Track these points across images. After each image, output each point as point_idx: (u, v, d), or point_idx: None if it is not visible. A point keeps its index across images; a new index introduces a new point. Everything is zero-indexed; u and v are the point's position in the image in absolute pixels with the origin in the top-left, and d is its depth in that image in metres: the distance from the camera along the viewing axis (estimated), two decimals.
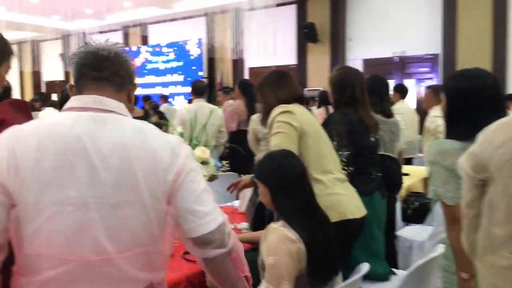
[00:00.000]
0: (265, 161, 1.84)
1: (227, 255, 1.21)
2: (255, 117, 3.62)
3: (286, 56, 10.25)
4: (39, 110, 9.54)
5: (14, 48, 10.65)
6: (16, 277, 1.14)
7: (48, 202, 1.05)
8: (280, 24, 10.03)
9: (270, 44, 9.95)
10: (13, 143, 1.07)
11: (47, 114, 8.75)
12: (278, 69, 2.54)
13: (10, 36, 12.82)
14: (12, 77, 15.74)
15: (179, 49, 11.70)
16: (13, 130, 1.11)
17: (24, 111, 1.45)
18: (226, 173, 3.23)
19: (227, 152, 4.57)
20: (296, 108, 2.16)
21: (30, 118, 1.46)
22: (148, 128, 1.17)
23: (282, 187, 1.73)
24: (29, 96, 14.70)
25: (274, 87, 2.27)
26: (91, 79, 1.17)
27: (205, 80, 11.37)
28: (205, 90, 4.78)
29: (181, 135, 2.28)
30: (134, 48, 12.66)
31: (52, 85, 15.36)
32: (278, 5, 9.94)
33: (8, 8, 11.04)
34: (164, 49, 12.04)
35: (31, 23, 12.30)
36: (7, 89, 4.45)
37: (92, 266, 1.08)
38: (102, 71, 1.17)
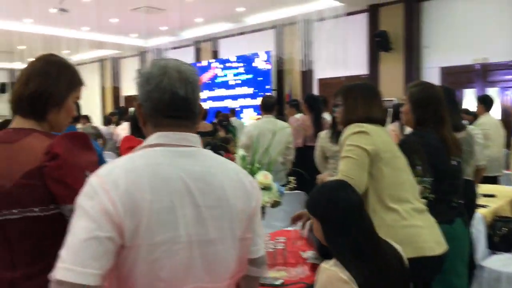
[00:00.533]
0: (316, 193, 1.72)
1: None
2: (323, 134, 3.48)
3: (357, 66, 9.95)
4: (116, 124, 10.08)
5: (96, 65, 11.41)
6: None
7: (160, 242, 1.08)
8: (350, 33, 9.77)
9: (340, 54, 9.73)
10: (125, 185, 1.07)
11: (123, 131, 9.18)
12: (370, 83, 2.37)
13: (93, 54, 13.82)
14: (94, 92, 16.87)
15: (248, 62, 11.82)
16: (112, 169, 1.11)
17: (81, 144, 1.44)
18: (293, 191, 3.10)
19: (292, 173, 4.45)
20: (372, 129, 1.98)
21: (89, 150, 1.45)
22: (224, 158, 1.27)
23: (334, 222, 1.60)
24: (109, 110, 15.59)
25: (368, 101, 2.06)
26: (169, 117, 1.17)
27: (274, 94, 11.37)
28: (274, 105, 4.70)
29: (243, 158, 2.21)
30: (204, 63, 12.99)
31: (130, 100, 16.18)
32: (349, 14, 9.70)
33: (91, 29, 11.84)
34: (234, 63, 12.23)
35: (111, 42, 13.07)
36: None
37: None
38: (178, 111, 1.18)
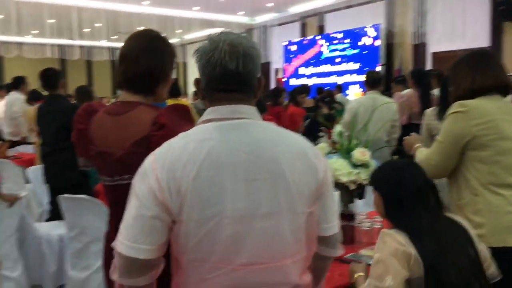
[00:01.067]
0: (382, 168, 1.72)
1: None
2: (430, 112, 3.24)
3: (477, 37, 9.05)
4: None
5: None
6: (175, 282, 1.22)
7: (207, 217, 1.08)
8: (469, 2, 8.89)
9: (458, 25, 8.93)
10: (170, 163, 1.10)
11: None
12: (482, 49, 2.16)
13: (203, 33, 14.35)
14: None
15: (355, 36, 11.40)
16: (166, 148, 1.15)
17: (183, 116, 1.52)
18: None
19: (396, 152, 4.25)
20: (477, 105, 1.80)
21: (190, 121, 1.52)
22: (284, 130, 1.22)
23: (396, 200, 1.57)
24: None
25: (473, 69, 1.88)
26: (221, 91, 1.17)
27: (383, 69, 10.87)
28: (380, 81, 4.48)
29: (340, 134, 2.16)
30: (310, 39, 12.83)
31: None
32: None
33: (201, 8, 12.32)
34: (340, 37, 11.89)
35: (220, 20, 13.48)
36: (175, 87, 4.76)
37: (247, 273, 1.12)
38: (230, 85, 1.17)
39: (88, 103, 1.71)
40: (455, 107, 1.83)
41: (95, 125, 1.61)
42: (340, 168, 2.04)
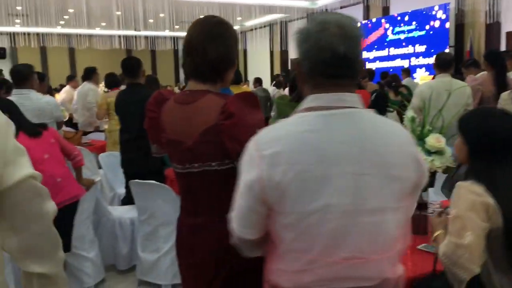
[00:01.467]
0: (472, 115, 1.70)
1: None
2: (506, 95, 3.02)
3: None
4: (284, 87, 10.41)
5: (266, 30, 11.76)
6: (269, 266, 1.23)
7: (311, 211, 1.06)
8: None
9: None
10: (273, 155, 1.07)
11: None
12: None
13: (263, 19, 14.30)
14: (264, 56, 17.63)
15: (422, 17, 10.85)
16: (269, 137, 1.12)
17: (251, 104, 1.50)
18: None
19: None
20: None
21: (257, 109, 1.51)
22: (388, 120, 1.19)
23: (482, 148, 1.53)
24: (277, 72, 16.18)
25: None
26: (328, 77, 1.11)
27: (452, 51, 10.28)
28: (451, 63, 4.23)
29: (412, 120, 2.06)
30: (374, 21, 12.39)
31: None
32: None
33: None
34: (406, 18, 11.37)
35: (280, 5, 13.36)
36: (237, 74, 4.81)
37: (347, 267, 1.10)
38: (338, 70, 1.10)
39: (158, 91, 1.72)
40: None
41: (165, 114, 1.63)
42: None
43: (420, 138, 2.04)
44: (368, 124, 1.11)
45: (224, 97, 1.52)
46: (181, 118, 1.56)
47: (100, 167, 4.52)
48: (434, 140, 1.94)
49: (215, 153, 1.50)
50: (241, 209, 1.16)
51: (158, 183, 3.07)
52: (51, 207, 1.11)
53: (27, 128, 2.80)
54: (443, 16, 10.31)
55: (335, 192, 1.05)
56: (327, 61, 1.08)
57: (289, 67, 16.63)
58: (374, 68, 12.12)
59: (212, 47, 1.54)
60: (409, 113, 2.08)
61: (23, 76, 3.69)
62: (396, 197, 1.10)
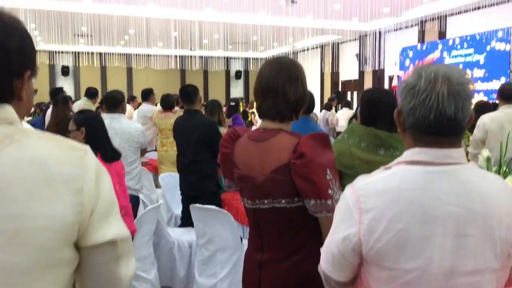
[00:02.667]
0: None
1: None
2: None
3: None
4: (336, 109, 10.35)
5: (317, 51, 11.73)
6: None
7: (406, 269, 1.05)
8: None
9: None
10: (375, 209, 1.07)
11: (342, 116, 9.37)
12: None
13: (315, 41, 14.37)
14: (315, 77, 17.63)
15: (480, 40, 10.51)
16: (370, 188, 1.11)
17: (323, 144, 1.52)
18: None
19: None
20: None
21: (329, 149, 1.53)
22: (492, 175, 1.16)
23: None
24: (327, 95, 16.12)
25: None
26: (433, 134, 1.09)
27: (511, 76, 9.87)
28: None
29: (488, 160, 1.98)
30: (429, 44, 12.14)
31: (348, 84, 16.38)
32: None
33: (315, 16, 12.35)
34: (463, 42, 11.05)
35: (332, 27, 13.37)
36: (236, 104, 4.84)
37: None
38: (445, 130, 1.08)
39: (233, 128, 1.79)
40: None
41: (238, 150, 1.69)
42: None
43: None
44: (474, 184, 1.08)
45: (296, 136, 1.56)
46: (254, 155, 1.61)
47: (157, 187, 4.67)
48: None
49: (285, 191, 1.53)
50: (333, 254, 1.15)
51: (217, 208, 3.13)
52: (130, 270, 1.03)
53: (106, 151, 2.69)
54: (504, 40, 9.93)
55: (435, 252, 1.04)
56: (434, 121, 1.06)
57: (339, 89, 16.53)
58: None
59: (291, 89, 1.59)
60: (485, 153, 2.01)
61: (118, 101, 3.91)
62: (498, 258, 1.07)
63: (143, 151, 4.15)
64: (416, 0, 10.67)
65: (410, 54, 12.76)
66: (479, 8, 10.25)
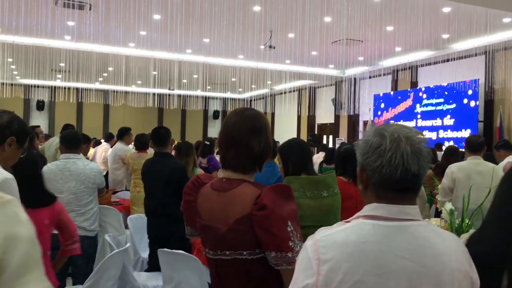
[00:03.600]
0: None
1: None
2: None
3: None
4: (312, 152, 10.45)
5: (295, 95, 12.02)
6: None
7: None
8: None
9: None
10: (333, 261, 1.08)
11: (318, 159, 9.45)
12: None
13: (292, 84, 14.71)
14: (292, 120, 17.90)
15: (451, 91, 10.95)
16: (329, 241, 1.12)
17: (285, 195, 1.52)
18: None
19: None
20: None
21: (290, 200, 1.54)
22: (444, 232, 1.18)
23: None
24: (304, 137, 16.34)
25: None
26: (394, 190, 1.14)
27: (480, 126, 10.24)
28: (482, 145, 4.23)
29: (451, 213, 2.03)
30: (402, 93, 12.57)
31: (324, 128, 16.68)
32: None
33: (292, 61, 12.70)
34: (434, 91, 11.49)
35: (310, 72, 13.75)
36: (211, 144, 4.87)
37: None
38: (406, 186, 1.13)
39: (196, 176, 1.77)
40: None
41: (202, 199, 1.67)
42: None
43: (459, 232, 2.00)
44: (428, 240, 1.11)
45: (259, 187, 1.56)
46: (217, 205, 1.60)
47: (127, 228, 4.56)
48: None
49: (247, 242, 1.52)
50: None
51: (186, 253, 3.07)
52: None
53: (29, 197, 2.38)
54: (473, 91, 10.38)
55: None
56: (398, 178, 1.11)
57: (316, 132, 16.80)
58: None
59: (255, 141, 1.60)
60: (448, 206, 2.06)
61: (75, 142, 3.84)
62: None
63: (101, 191, 4.06)
64: (389, 50, 11.11)
65: (384, 101, 13.16)
66: (448, 60, 10.74)
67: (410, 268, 1.07)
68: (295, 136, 17.40)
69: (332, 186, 2.34)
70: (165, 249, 3.12)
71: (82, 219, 3.72)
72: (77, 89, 17.15)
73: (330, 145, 15.64)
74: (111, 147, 7.34)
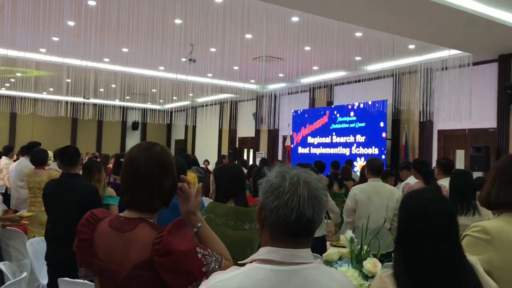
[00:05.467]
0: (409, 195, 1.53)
1: None
2: None
3: (483, 118, 9.20)
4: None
5: (216, 108, 12.00)
6: None
7: None
8: (477, 84, 9.11)
9: (464, 105, 9.09)
10: None
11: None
12: None
13: (214, 97, 14.70)
14: (213, 133, 17.87)
15: (363, 110, 11.61)
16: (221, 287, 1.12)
17: (180, 228, 1.47)
18: None
19: None
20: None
21: (186, 228, 1.50)
22: (335, 275, 1.23)
23: (409, 233, 1.42)
24: (224, 150, 16.37)
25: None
26: (288, 234, 1.16)
27: (388, 143, 10.94)
28: (381, 169, 4.52)
29: (352, 241, 2.11)
30: (319, 109, 13.09)
31: (245, 141, 16.84)
32: (475, 63, 9.08)
33: (214, 75, 12.72)
34: (347, 110, 12.11)
35: (231, 86, 13.85)
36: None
37: None
38: (300, 230, 1.16)
39: (91, 211, 1.63)
40: (477, 228, 1.77)
41: (99, 238, 1.56)
42: (350, 279, 1.97)
43: (358, 261, 2.08)
44: (319, 283, 1.15)
45: (157, 228, 1.48)
46: (116, 246, 1.50)
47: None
48: (371, 265, 1.99)
49: (151, 286, 1.45)
50: None
51: (89, 283, 2.88)
52: None
53: None
54: (382, 111, 11.08)
55: None
56: (292, 221, 1.13)
57: (237, 145, 16.91)
58: (318, 153, 12.60)
59: (166, 181, 1.54)
60: (348, 234, 2.14)
61: None
62: None
63: None
64: (307, 69, 11.54)
65: (302, 117, 13.61)
66: (360, 81, 11.39)
67: None
68: (216, 149, 17.42)
69: (255, 220, 2.28)
70: (66, 278, 2.92)
71: None
72: None
73: (250, 160, 15.82)
74: (14, 161, 6.79)
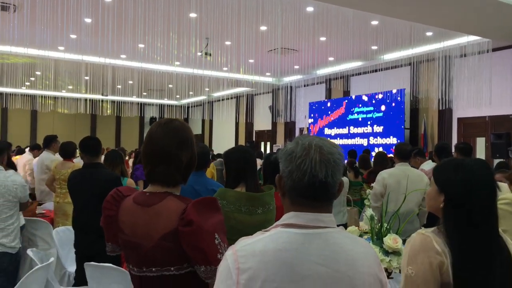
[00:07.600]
0: (447, 165, 1.60)
1: None
2: None
3: (504, 105, 9.05)
4: None
5: (232, 101, 11.99)
6: None
7: None
8: (496, 70, 8.96)
9: (484, 92, 8.95)
10: (251, 270, 1.10)
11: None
12: None
13: (230, 91, 14.73)
14: (230, 126, 17.94)
15: (380, 100, 11.52)
16: (248, 250, 1.15)
17: (210, 208, 1.51)
18: None
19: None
20: None
21: (217, 211, 1.53)
22: (357, 239, 1.25)
23: (460, 201, 1.50)
24: (242, 144, 16.40)
25: None
26: (306, 197, 1.18)
27: (407, 133, 10.83)
28: (410, 153, 4.49)
29: (372, 218, 2.12)
30: (335, 100, 13.03)
31: (262, 135, 16.87)
32: (495, 49, 8.92)
33: (230, 69, 12.76)
34: (364, 100, 12.02)
35: (247, 79, 13.88)
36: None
37: None
38: (316, 193, 1.18)
39: (116, 188, 1.69)
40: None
41: (124, 214, 1.60)
42: None
43: (379, 237, 2.09)
44: (341, 246, 1.17)
45: (184, 201, 1.52)
46: (141, 220, 1.54)
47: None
48: (392, 241, 2.00)
49: (174, 258, 1.48)
50: None
51: (114, 266, 2.95)
52: None
53: None
54: (400, 100, 10.97)
55: None
56: (307, 184, 1.16)
57: (254, 139, 16.95)
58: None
59: (184, 154, 1.58)
60: (368, 212, 2.16)
61: None
62: None
63: (23, 206, 3.82)
64: (322, 60, 11.49)
65: (318, 109, 13.57)
66: (376, 70, 11.29)
67: (324, 274, 1.11)
68: (233, 143, 17.47)
69: (268, 203, 2.32)
70: (92, 263, 2.99)
71: (1, 235, 3.51)
72: (0, 94, 16.10)
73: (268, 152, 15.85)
74: (34, 157, 6.94)
